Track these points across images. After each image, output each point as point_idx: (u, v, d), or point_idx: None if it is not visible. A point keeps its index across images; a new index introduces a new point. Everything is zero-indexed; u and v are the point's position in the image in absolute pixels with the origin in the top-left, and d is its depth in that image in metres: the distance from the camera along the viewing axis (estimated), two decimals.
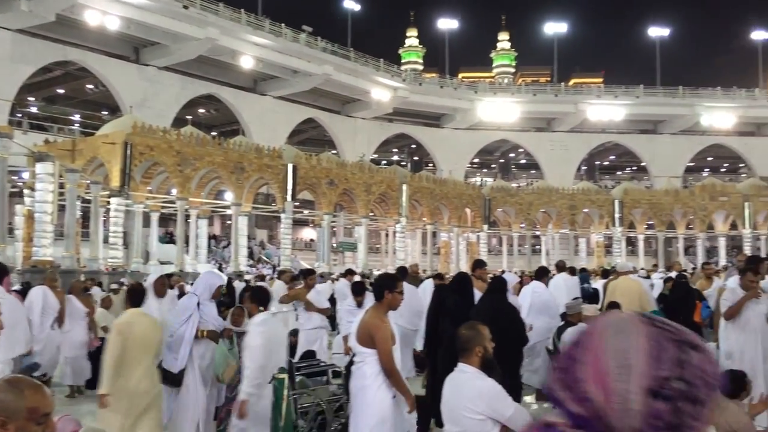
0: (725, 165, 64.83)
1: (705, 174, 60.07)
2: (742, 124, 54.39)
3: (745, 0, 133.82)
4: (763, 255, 41.06)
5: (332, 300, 14.77)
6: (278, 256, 35.13)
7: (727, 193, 43.56)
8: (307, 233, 49.52)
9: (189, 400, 5.63)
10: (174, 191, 27.86)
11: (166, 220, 37.21)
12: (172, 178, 26.89)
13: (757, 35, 58.88)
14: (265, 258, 35.54)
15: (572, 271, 12.55)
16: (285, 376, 4.87)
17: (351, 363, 7.56)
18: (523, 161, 64.96)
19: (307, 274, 9.83)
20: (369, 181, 34.23)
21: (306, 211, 36.30)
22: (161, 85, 39.88)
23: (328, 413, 6.06)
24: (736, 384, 4.99)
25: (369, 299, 9.03)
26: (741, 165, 60.84)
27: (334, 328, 14.85)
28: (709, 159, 61.71)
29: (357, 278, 16.70)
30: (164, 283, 6.24)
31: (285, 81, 44.79)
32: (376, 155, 53.78)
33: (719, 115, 52.52)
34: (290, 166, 29.82)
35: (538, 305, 8.77)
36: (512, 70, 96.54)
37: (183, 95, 41.57)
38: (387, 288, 4.64)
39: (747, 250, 40.79)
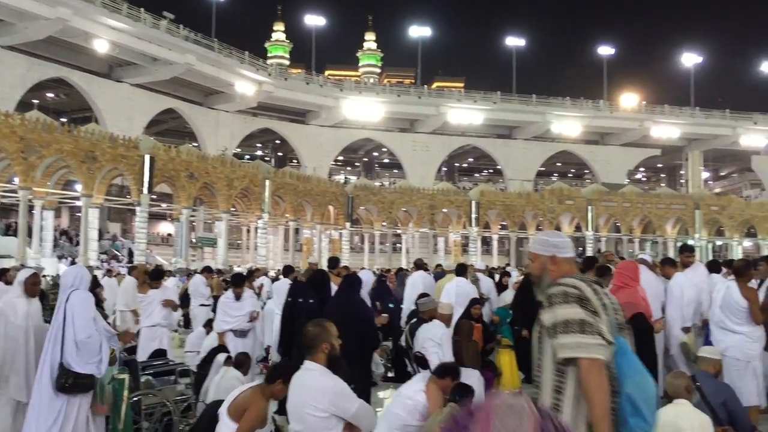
0: (572, 171, 69.20)
1: (554, 178, 63.78)
2: (587, 133, 58.25)
3: (592, 17, 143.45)
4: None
5: (186, 297, 14.33)
6: (128, 249, 33.60)
7: (572, 197, 46.50)
8: (165, 227, 47.75)
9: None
10: (17, 180, 25.94)
11: (7, 210, 34.58)
12: (15, 166, 25.02)
13: (603, 50, 63.26)
14: (114, 251, 33.79)
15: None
16: (126, 376, 4.64)
17: (204, 361, 7.37)
18: (386, 160, 66.07)
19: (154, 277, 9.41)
20: (231, 176, 33.50)
21: (164, 205, 34.96)
22: (4, 66, 36.94)
23: (174, 414, 5.85)
24: None
25: (249, 292, 8.84)
26: (586, 171, 65.15)
27: (188, 325, 14.43)
28: (558, 164, 65.61)
29: (215, 274, 16.31)
30: (37, 282, 5.46)
31: (143, 68, 42.83)
32: (239, 149, 52.71)
33: (568, 123, 55.96)
34: (147, 158, 28.59)
35: (463, 299, 9.22)
36: (378, 70, 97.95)
37: (29, 77, 38.71)
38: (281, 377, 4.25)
39: (589, 251, 43.83)
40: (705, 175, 67.75)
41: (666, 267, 9.03)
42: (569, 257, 3.05)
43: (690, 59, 63.66)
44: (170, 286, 11.63)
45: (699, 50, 65.32)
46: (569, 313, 2.73)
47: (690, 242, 47.53)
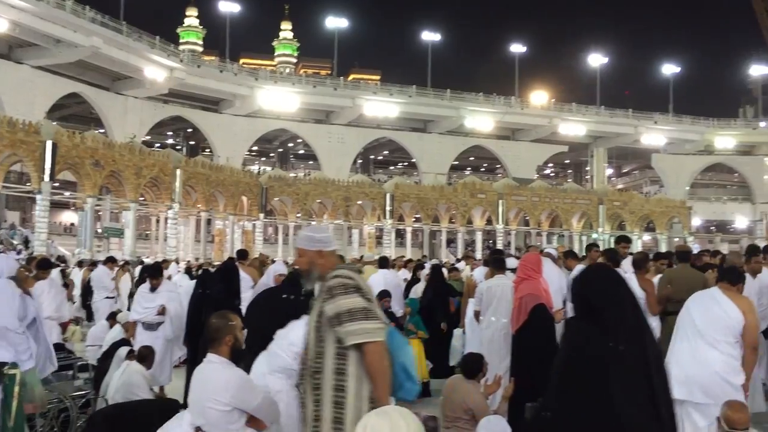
0: (484, 165, 70.69)
1: (467, 173, 65.08)
2: (499, 128, 59.61)
3: (506, 16, 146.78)
4: (512, 247, 45.49)
5: (88, 288, 13.80)
6: (24, 238, 31.94)
7: (484, 191, 47.58)
8: (68, 217, 45.78)
9: None
10: None
11: None
12: None
13: (515, 48, 64.81)
14: (8, 238, 32.08)
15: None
16: (17, 371, 4.42)
17: (105, 355, 7.11)
18: (301, 151, 65.60)
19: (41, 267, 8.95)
20: (140, 164, 32.48)
21: (67, 193, 33.54)
22: None
23: (72, 410, 5.62)
24: (473, 365, 5.44)
25: (167, 285, 8.55)
26: (498, 166, 66.70)
27: (90, 318, 13.89)
28: (471, 159, 66.90)
29: (126, 265, 15.77)
30: None
31: (46, 50, 40.70)
32: (148, 137, 51.09)
33: (481, 119, 57.09)
34: (49, 143, 27.34)
35: (393, 290, 9.43)
36: (294, 60, 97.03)
37: None
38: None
39: (499, 244, 44.97)
40: (609, 171, 70.68)
41: (569, 260, 9.35)
42: (334, 250, 3.36)
43: (596, 60, 66.10)
44: (56, 278, 11.16)
45: (605, 51, 67.94)
46: (351, 303, 3.02)
47: (594, 236, 49.59)
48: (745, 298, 5.19)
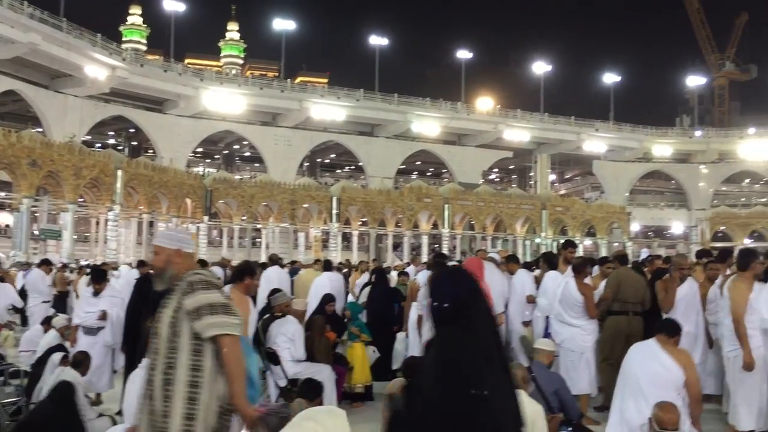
0: (431, 170, 71.25)
1: (413, 177, 65.42)
2: (446, 133, 60.13)
3: (453, 22, 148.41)
4: (457, 252, 45.96)
5: (23, 293, 13.36)
6: None
7: (430, 195, 47.94)
8: (3, 218, 44.26)
9: None
10: None
11: None
12: None
13: (462, 54, 65.55)
14: None
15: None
16: None
17: (39, 361, 6.90)
18: (247, 154, 64.89)
19: None
20: (79, 164, 31.64)
21: (2, 194, 32.42)
22: None
23: (1, 417, 5.44)
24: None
25: (110, 290, 8.30)
26: (444, 171, 67.28)
27: (26, 323, 13.46)
28: (418, 163, 67.33)
29: (63, 269, 15.30)
30: None
31: None
32: (89, 137, 49.71)
33: (427, 123, 57.50)
34: None
35: (339, 293, 9.82)
36: (241, 61, 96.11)
37: None
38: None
39: (445, 248, 45.38)
40: (552, 177, 72.01)
41: (510, 264, 9.52)
42: (192, 252, 3.41)
43: (540, 68, 67.36)
44: None
45: (549, 60, 69.24)
46: (212, 298, 3.09)
47: (537, 240, 50.51)
48: (684, 352, 5.30)
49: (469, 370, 2.29)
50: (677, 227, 66.14)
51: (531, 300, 8.68)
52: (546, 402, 5.39)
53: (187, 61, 71.96)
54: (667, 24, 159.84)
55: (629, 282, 7.95)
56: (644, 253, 28.30)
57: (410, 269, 14.41)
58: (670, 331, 5.23)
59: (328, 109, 54.22)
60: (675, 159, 67.58)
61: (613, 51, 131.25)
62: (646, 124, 67.60)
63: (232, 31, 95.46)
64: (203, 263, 9.30)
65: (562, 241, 9.12)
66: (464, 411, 2.24)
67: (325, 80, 75.03)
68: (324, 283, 10.63)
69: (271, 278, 11.29)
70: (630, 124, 66.62)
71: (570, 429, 5.47)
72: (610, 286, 7.96)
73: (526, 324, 8.76)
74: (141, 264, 12.07)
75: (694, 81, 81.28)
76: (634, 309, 7.77)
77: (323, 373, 6.69)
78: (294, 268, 13.34)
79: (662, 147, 66.36)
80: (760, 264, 6.71)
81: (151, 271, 10.30)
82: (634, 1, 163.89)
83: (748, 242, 53.36)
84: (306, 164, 62.63)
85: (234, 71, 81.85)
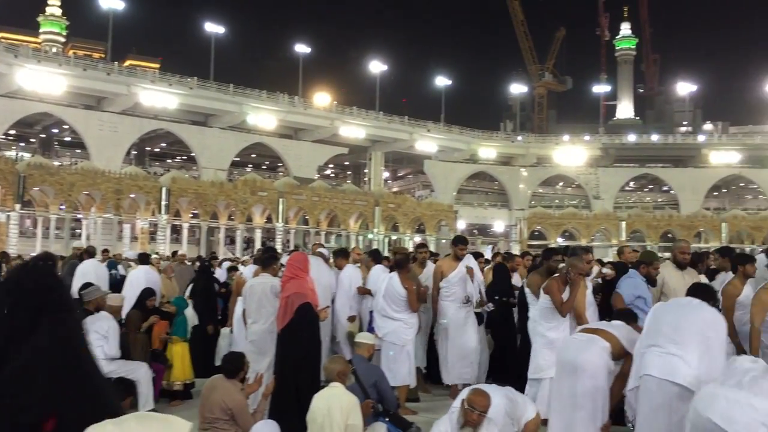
0: (266, 163, 70.42)
1: (248, 169, 64.35)
2: (282, 127, 59.69)
3: (292, 15, 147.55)
4: (291, 245, 45.86)
5: None
6: None
7: (265, 188, 47.42)
8: None
9: None
10: None
11: None
12: None
13: (300, 48, 65.43)
14: None
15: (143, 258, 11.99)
16: None
17: None
18: (68, 138, 60.44)
19: None
20: None
21: None
22: None
23: None
24: (234, 364, 5.39)
25: None
26: (279, 164, 66.79)
27: None
28: (253, 156, 66.28)
29: None
30: None
31: None
32: None
33: (264, 116, 56.74)
34: None
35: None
36: (62, 39, 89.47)
37: None
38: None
39: (278, 243, 45.14)
40: (385, 174, 73.88)
41: (338, 259, 9.65)
42: None
43: (377, 67, 68.84)
44: None
45: (385, 60, 70.96)
46: None
47: (369, 236, 51.61)
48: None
49: None
50: (499, 226, 70.38)
51: (363, 292, 8.84)
52: (365, 394, 5.53)
53: (0, 35, 65.86)
54: (496, 34, 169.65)
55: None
56: (488, 251, 29.50)
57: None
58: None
59: (159, 95, 51.83)
60: (498, 161, 71.84)
61: (446, 56, 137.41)
62: (474, 128, 71.39)
63: (54, 6, 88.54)
64: (4, 255, 8.57)
65: (452, 237, 9.10)
66: None
67: (157, 65, 71.75)
68: (139, 277, 10.21)
69: (88, 272, 10.66)
70: (459, 127, 69.92)
71: (387, 419, 5.63)
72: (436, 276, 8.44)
73: (352, 319, 8.92)
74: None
75: (518, 89, 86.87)
76: None
77: (139, 372, 6.42)
78: (111, 262, 12.64)
79: (487, 149, 70.29)
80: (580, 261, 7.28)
81: None
82: (467, 11, 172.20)
83: (560, 241, 57.94)
84: (134, 152, 59.55)
85: (54, 49, 75.94)
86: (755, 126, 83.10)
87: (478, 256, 9.72)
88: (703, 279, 7.47)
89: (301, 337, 6.21)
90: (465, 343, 8.12)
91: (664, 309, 4.91)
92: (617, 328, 5.52)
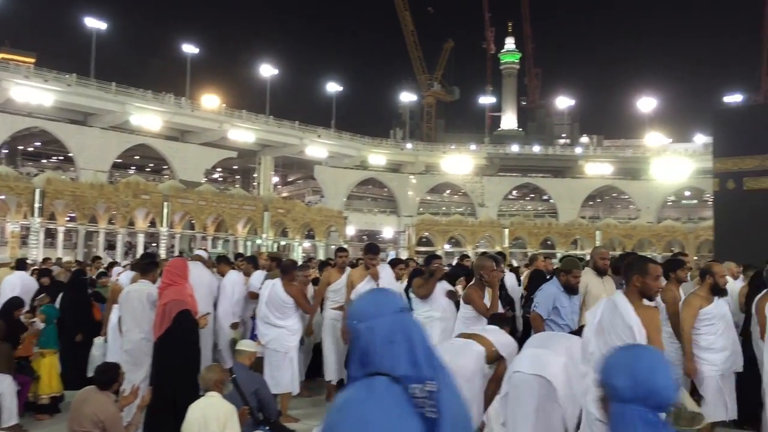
0: (151, 165, 67.98)
1: (131, 171, 61.97)
2: (168, 128, 57.89)
3: (178, 13, 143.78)
4: (176, 251, 44.54)
5: None
6: None
7: (149, 191, 45.77)
8: None
9: None
10: None
11: None
12: None
13: (188, 48, 63.68)
14: None
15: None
16: None
17: None
18: None
19: None
20: None
21: None
22: None
23: None
24: (107, 375, 5.19)
25: None
26: (165, 167, 64.69)
27: None
28: (136, 158, 63.80)
29: None
30: None
31: None
32: None
33: (148, 117, 54.79)
34: None
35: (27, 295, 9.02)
36: None
37: None
38: None
39: (162, 248, 43.74)
40: (275, 179, 73.19)
41: (221, 265, 9.49)
42: None
43: (267, 70, 68.09)
44: None
45: (275, 64, 70.23)
46: None
47: (258, 241, 50.95)
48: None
49: None
50: (388, 232, 71.28)
51: (253, 296, 8.64)
52: (245, 402, 5.47)
53: None
54: (387, 43, 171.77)
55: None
56: (391, 255, 29.14)
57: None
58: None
59: (34, 92, 48.98)
60: (388, 168, 72.83)
61: (338, 62, 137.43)
62: (364, 134, 72.02)
63: None
64: None
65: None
66: None
67: (32, 60, 67.57)
68: (14, 283, 9.67)
69: None
70: (350, 133, 70.31)
71: (267, 428, 5.59)
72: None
73: (235, 326, 8.79)
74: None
75: (407, 97, 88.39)
76: None
77: (2, 384, 6.05)
78: None
79: (377, 156, 71.11)
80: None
81: None
82: (359, 18, 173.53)
83: (447, 247, 59.39)
84: (5, 151, 55.98)
85: None
86: (627, 140, 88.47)
87: (398, 262, 9.51)
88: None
89: (179, 345, 6.06)
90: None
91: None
92: (491, 332, 5.74)
